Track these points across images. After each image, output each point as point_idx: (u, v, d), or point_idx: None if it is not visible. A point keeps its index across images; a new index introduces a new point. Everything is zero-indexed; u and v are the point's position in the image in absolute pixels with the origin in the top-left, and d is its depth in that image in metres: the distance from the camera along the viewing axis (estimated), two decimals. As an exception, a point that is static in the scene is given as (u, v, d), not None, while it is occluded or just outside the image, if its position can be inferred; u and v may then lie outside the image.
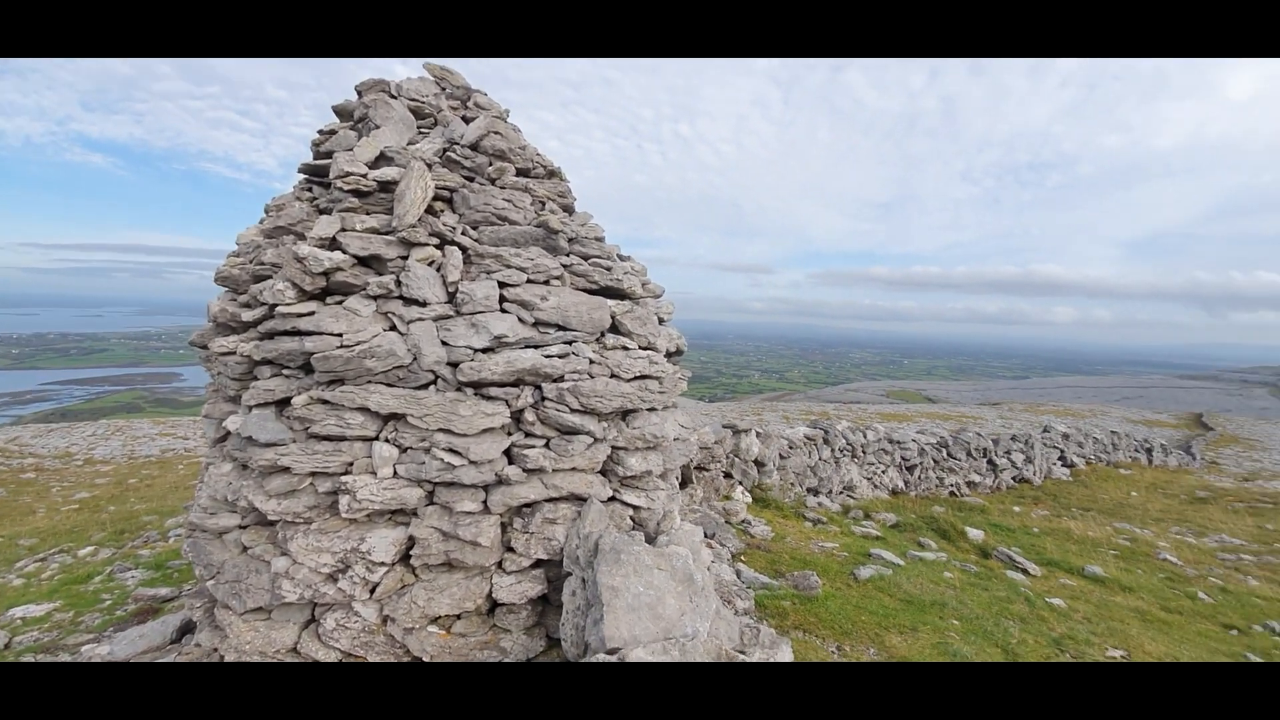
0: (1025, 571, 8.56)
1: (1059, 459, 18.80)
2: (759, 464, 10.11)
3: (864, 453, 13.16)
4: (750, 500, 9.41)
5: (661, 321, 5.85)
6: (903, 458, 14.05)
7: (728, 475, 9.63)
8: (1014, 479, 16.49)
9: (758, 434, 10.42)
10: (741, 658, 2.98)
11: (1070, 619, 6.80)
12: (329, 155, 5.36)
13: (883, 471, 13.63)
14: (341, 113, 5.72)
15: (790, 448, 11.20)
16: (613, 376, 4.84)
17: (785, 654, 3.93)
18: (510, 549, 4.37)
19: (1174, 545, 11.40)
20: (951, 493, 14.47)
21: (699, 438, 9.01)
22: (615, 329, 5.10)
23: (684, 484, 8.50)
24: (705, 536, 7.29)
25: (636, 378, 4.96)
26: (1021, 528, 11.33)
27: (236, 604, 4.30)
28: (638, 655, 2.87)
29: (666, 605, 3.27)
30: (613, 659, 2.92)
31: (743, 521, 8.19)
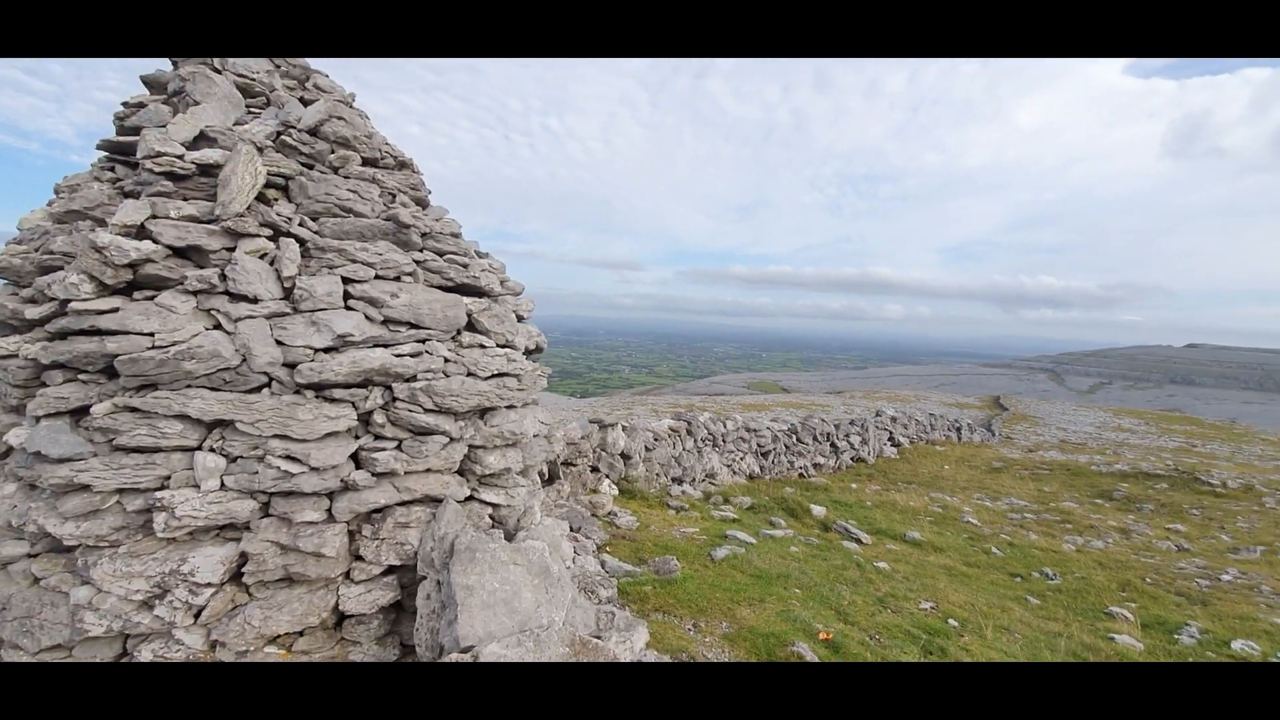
0: (859, 541, 9.53)
1: (889, 440, 21.05)
2: (625, 457, 10.32)
3: (724, 442, 13.78)
4: (617, 492, 9.60)
5: (521, 319, 5.82)
6: (758, 445, 14.91)
7: (595, 469, 9.75)
8: (852, 459, 18.18)
9: (624, 428, 10.62)
10: (597, 643, 3.08)
11: (893, 579, 7.70)
12: (136, 131, 4.77)
13: (741, 458, 14.38)
14: (153, 84, 5.09)
15: (655, 440, 11.48)
16: (469, 375, 4.75)
17: (641, 635, 4.11)
18: (359, 557, 4.16)
19: (975, 509, 13.26)
20: (800, 474, 15.69)
21: (566, 434, 9.03)
22: (472, 327, 5.00)
23: (551, 480, 8.50)
24: (571, 530, 7.35)
25: (494, 376, 4.91)
26: (857, 502, 12.59)
27: (29, 643, 3.72)
28: (492, 650, 2.88)
29: (522, 599, 3.29)
30: (467, 658, 2.90)
31: (609, 513, 8.35)
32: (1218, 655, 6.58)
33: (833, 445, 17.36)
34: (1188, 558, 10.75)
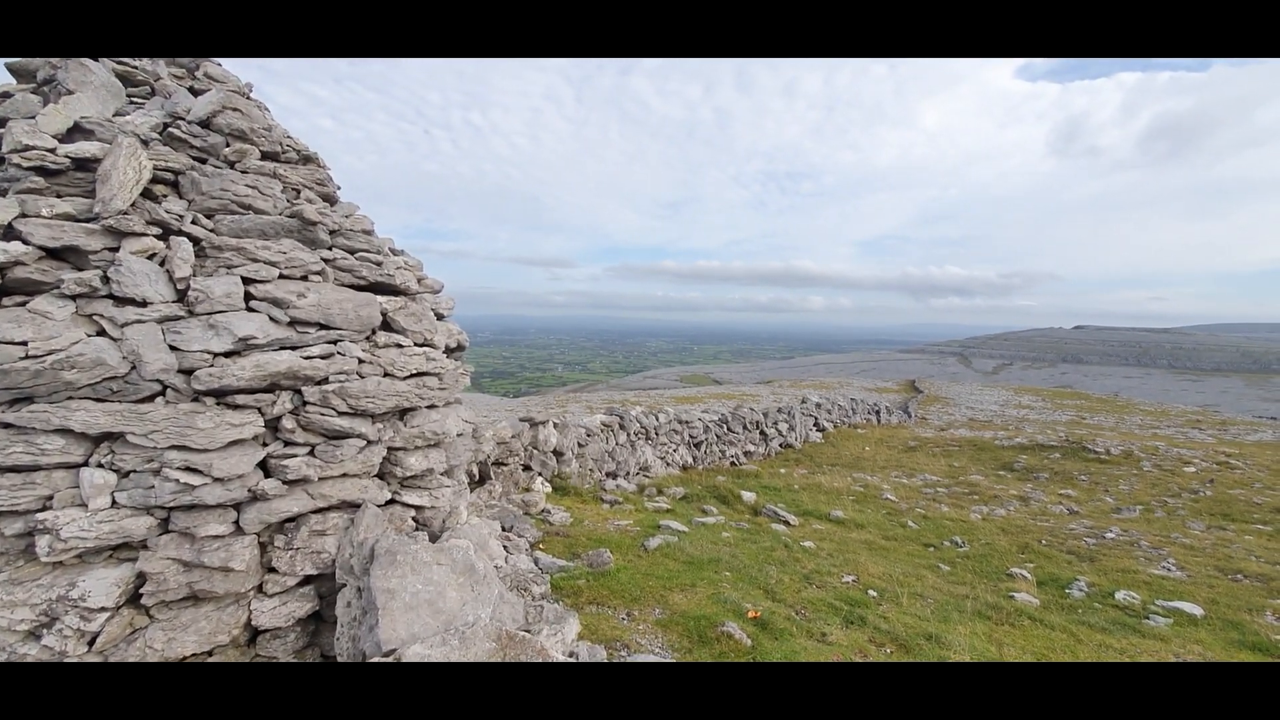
0: (786, 523, 9.85)
1: (814, 425, 21.83)
2: (558, 454, 10.26)
3: (657, 434, 13.89)
4: (550, 490, 9.53)
5: (441, 317, 5.71)
6: (691, 436, 15.13)
7: (527, 468, 9.64)
8: (781, 445, 18.74)
9: (555, 425, 10.54)
10: (526, 636, 3.05)
11: (818, 556, 8.00)
12: (2, 123, 4.33)
13: (674, 450, 14.57)
14: (19, 72, 4.63)
15: (588, 435, 11.47)
16: (386, 375, 4.61)
17: (573, 627, 4.10)
18: (272, 569, 3.95)
19: (893, 487, 13.96)
20: (732, 463, 16.03)
21: (496, 433, 8.87)
22: (388, 326, 4.86)
23: (481, 481, 8.35)
24: (504, 529, 7.24)
25: (413, 375, 4.79)
26: (786, 486, 13.00)
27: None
28: (415, 651, 2.81)
29: (447, 598, 3.22)
30: (389, 660, 2.82)
31: (542, 511, 8.29)
32: (1103, 606, 7.21)
33: (762, 433, 17.83)
34: (1077, 519, 11.71)
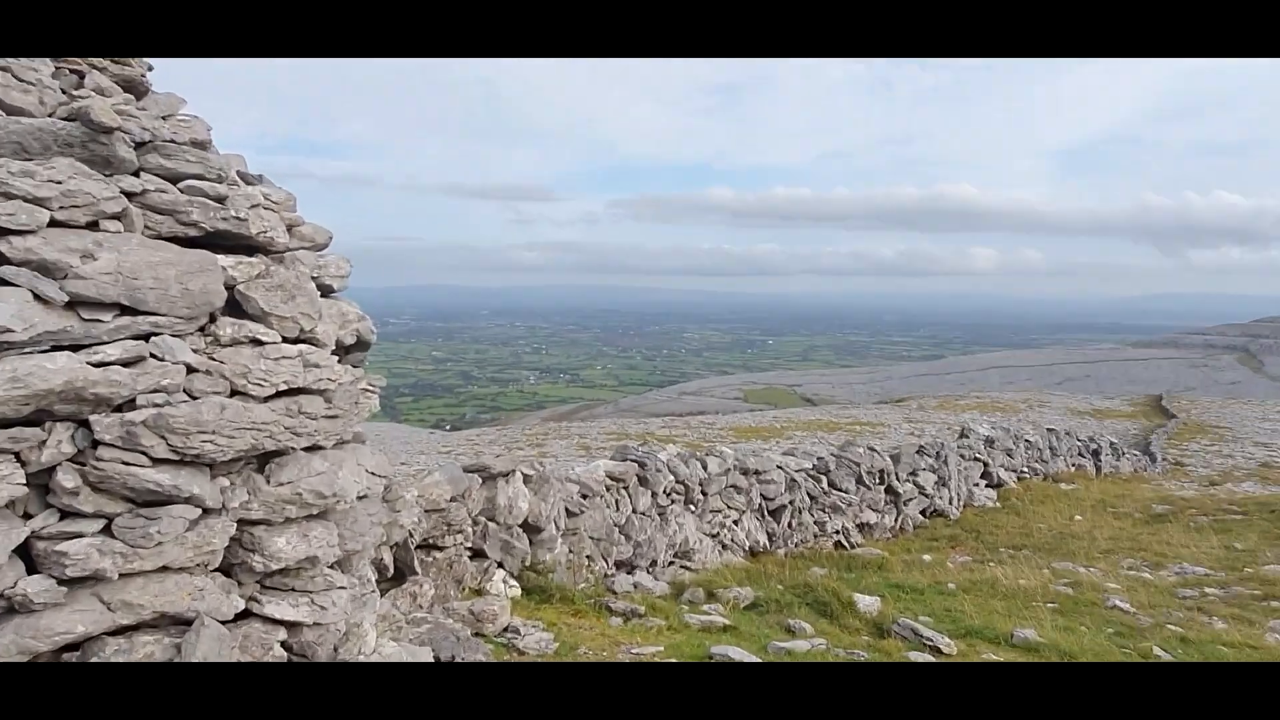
0: (936, 650, 9.75)
1: (982, 476, 21.76)
2: (531, 529, 10.27)
3: (705, 496, 13.93)
4: (519, 592, 9.54)
5: (328, 292, 5.77)
6: (764, 497, 15.18)
7: (477, 554, 9.67)
8: (923, 511, 18.74)
9: (526, 478, 10.55)
10: None
11: (993, 712, 7.91)
12: None
13: (734, 522, 14.61)
14: None
15: (584, 497, 11.50)
16: (235, 394, 4.68)
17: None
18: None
19: (1125, 585, 13.77)
20: (838, 543, 16.01)
21: (424, 494, 8.90)
22: (237, 309, 4.93)
23: (400, 577, 8.38)
24: (439, 662, 7.27)
25: (281, 394, 4.85)
26: (933, 585, 12.87)
27: None
28: None
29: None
30: None
31: (506, 630, 8.30)
32: None
33: (890, 491, 17.86)
34: None
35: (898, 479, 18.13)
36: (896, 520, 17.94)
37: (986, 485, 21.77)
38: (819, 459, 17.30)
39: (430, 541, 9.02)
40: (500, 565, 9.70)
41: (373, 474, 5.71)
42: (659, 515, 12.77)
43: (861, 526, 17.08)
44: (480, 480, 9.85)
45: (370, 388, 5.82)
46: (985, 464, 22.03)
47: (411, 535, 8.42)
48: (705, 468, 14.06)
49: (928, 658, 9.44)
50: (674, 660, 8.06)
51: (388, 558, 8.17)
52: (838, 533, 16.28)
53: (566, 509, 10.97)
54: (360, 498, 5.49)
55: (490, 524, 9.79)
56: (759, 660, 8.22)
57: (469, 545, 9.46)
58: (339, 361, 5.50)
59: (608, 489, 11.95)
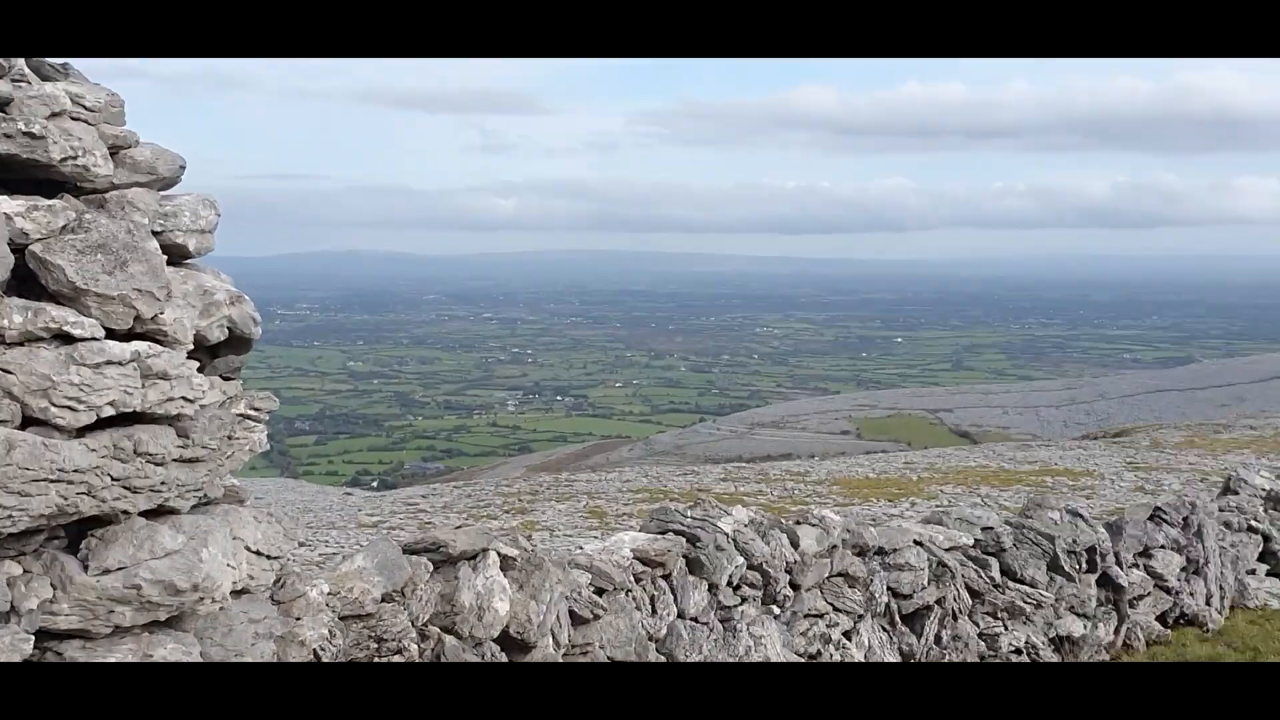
0: None
1: (1261, 557, 18.24)
2: (514, 644, 8.82)
3: (795, 589, 11.55)
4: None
5: (183, 259, 5.07)
6: (895, 593, 12.48)
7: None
8: (1162, 617, 15.53)
9: (506, 561, 9.17)
10: None
11: None
12: None
13: (845, 634, 11.94)
14: None
15: (600, 593, 9.81)
16: (29, 424, 4.15)
17: None
18: None
19: None
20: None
21: (334, 587, 7.83)
22: (33, 282, 4.32)
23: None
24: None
25: (106, 422, 4.34)
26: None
27: None
28: None
29: None
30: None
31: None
32: None
33: (1105, 583, 14.63)
34: None
35: (1119, 563, 14.90)
36: (1118, 632, 14.75)
37: (1268, 572, 18.21)
38: (986, 529, 14.21)
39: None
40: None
41: (258, 554, 5.22)
42: (722, 623, 10.72)
43: (1058, 641, 14.01)
44: (431, 567, 8.47)
45: (253, 413, 5.25)
46: (1266, 538, 18.42)
47: (317, 658, 7.16)
48: (796, 545, 11.67)
49: None
50: None
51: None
52: (1018, 652, 13.50)
53: (572, 612, 9.32)
54: (237, 593, 5.02)
55: (448, 638, 8.33)
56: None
57: (412, 672, 8.37)
58: (200, 370, 4.94)
59: (637, 579, 10.02)
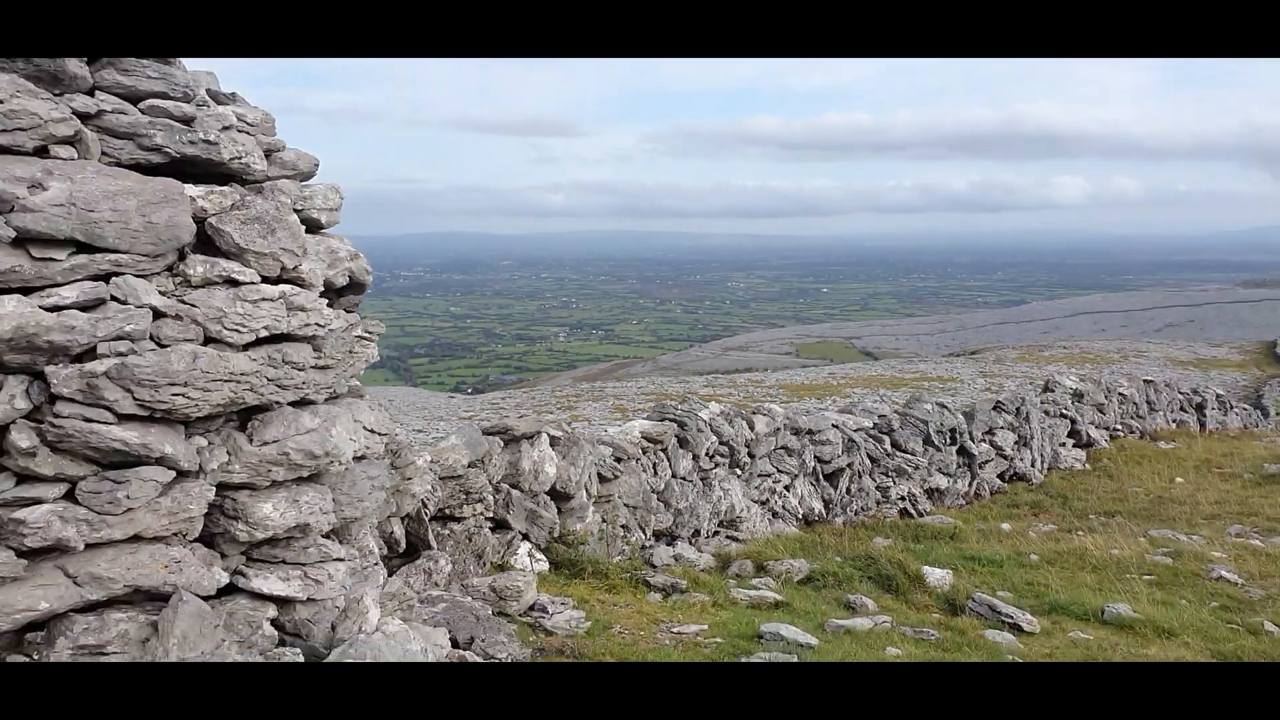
0: (1016, 628, 9.65)
1: (1069, 434, 21.46)
2: (559, 496, 10.35)
3: (751, 457, 13.92)
4: (546, 566, 9.62)
5: (316, 228, 5.78)
6: (819, 459, 15.13)
7: (500, 525, 9.71)
8: (1001, 475, 18.54)
9: (553, 440, 10.56)
10: None
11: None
12: None
13: (786, 488, 14.57)
14: None
15: (618, 460, 11.56)
16: (209, 341, 4.69)
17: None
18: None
19: (1233, 554, 13.52)
20: (903, 511, 15.90)
21: (438, 459, 8.95)
22: (210, 245, 4.93)
23: (410, 550, 8.42)
24: (456, 645, 7.28)
25: (262, 341, 4.87)
26: (1013, 557, 12.73)
27: None
28: None
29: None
30: None
31: (532, 608, 8.33)
32: None
33: (963, 453, 17.66)
34: None
35: (972, 439, 17.84)
36: (971, 485, 17.71)
37: (1074, 445, 21.43)
38: (881, 417, 17.11)
39: (447, 512, 9.05)
40: (525, 537, 9.76)
41: (372, 432, 5.75)
42: (701, 480, 12.74)
43: (931, 492, 16.89)
44: (501, 443, 9.93)
45: (367, 334, 5.81)
46: (1073, 421, 21.70)
47: (425, 505, 8.43)
48: (752, 427, 13.95)
49: (1007, 636, 9.35)
50: (719, 640, 8.08)
51: (399, 530, 8.17)
52: (903, 499, 16.11)
53: (599, 474, 11.01)
54: (358, 459, 5.54)
55: (514, 491, 9.81)
56: (815, 641, 8.21)
57: (490, 515, 9.50)
58: (329, 305, 5.52)
59: (644, 451, 11.93)
